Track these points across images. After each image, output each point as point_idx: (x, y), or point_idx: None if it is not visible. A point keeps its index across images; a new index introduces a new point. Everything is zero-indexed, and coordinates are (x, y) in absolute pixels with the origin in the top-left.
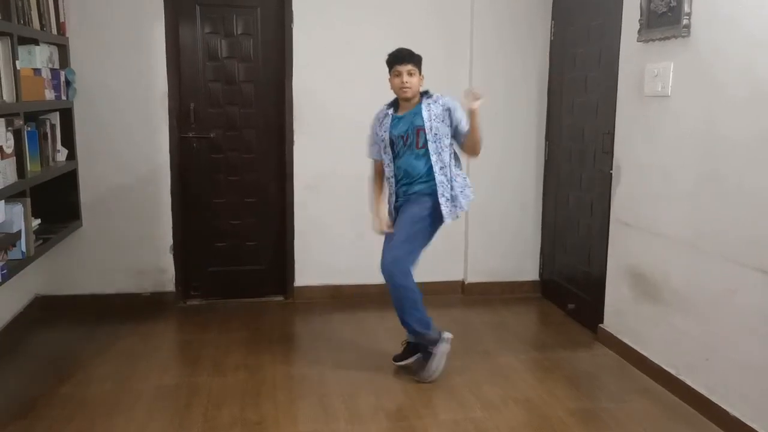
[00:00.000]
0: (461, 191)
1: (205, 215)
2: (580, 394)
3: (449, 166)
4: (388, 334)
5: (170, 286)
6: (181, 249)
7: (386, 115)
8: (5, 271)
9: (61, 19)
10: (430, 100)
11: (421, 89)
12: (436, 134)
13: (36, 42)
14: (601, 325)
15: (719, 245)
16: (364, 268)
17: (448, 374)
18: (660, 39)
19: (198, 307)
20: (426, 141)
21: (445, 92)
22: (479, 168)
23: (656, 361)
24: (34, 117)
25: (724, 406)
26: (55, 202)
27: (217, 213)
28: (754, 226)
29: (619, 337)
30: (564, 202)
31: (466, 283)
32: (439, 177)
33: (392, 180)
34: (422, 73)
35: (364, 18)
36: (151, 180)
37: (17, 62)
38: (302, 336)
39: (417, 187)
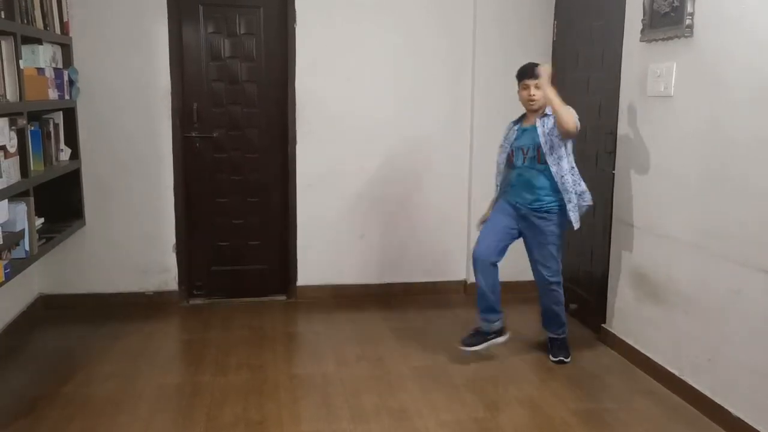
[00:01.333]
0: (580, 195)
1: (207, 215)
2: (582, 395)
3: (569, 173)
4: (391, 333)
5: (173, 286)
6: (184, 248)
7: (511, 129)
8: (9, 269)
9: (65, 19)
10: (544, 117)
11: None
12: (551, 147)
13: (39, 41)
14: (603, 325)
15: (723, 246)
16: (367, 267)
17: (451, 374)
18: (663, 39)
19: (201, 306)
20: (545, 157)
21: (447, 94)
22: (482, 167)
23: (659, 362)
24: (37, 116)
25: (727, 407)
26: (59, 201)
27: (219, 212)
28: (758, 226)
29: (622, 337)
30: None
31: (468, 282)
32: (561, 187)
33: (501, 186)
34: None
35: (366, 17)
36: (154, 179)
37: (21, 61)
38: (305, 335)
39: (542, 201)
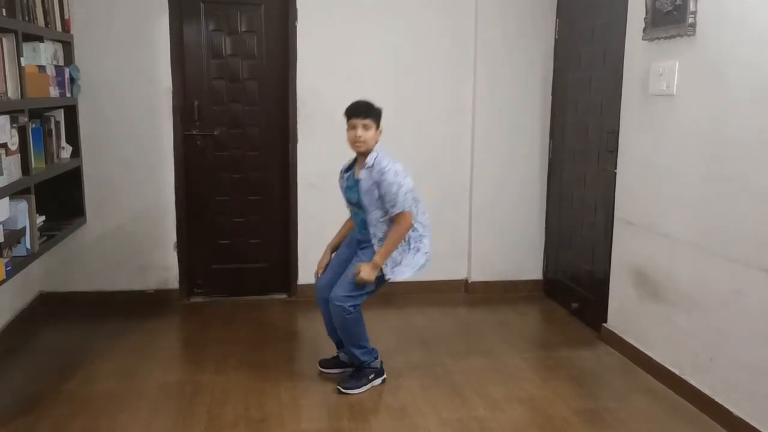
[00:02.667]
0: (405, 254)
1: (208, 213)
2: (583, 394)
3: (385, 223)
4: (391, 332)
5: (174, 284)
6: (184, 246)
7: (343, 178)
8: (10, 267)
9: (66, 16)
10: (369, 169)
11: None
12: (371, 199)
13: (41, 39)
14: (604, 324)
15: (724, 245)
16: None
17: (452, 373)
18: (665, 37)
19: (201, 304)
20: (366, 208)
21: (448, 94)
22: (483, 167)
23: (660, 361)
24: (38, 114)
25: (728, 407)
26: (60, 199)
27: (220, 210)
28: (760, 226)
29: (623, 336)
30: (568, 201)
31: (469, 281)
32: (371, 232)
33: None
34: (380, 126)
35: (368, 16)
36: (155, 177)
37: (22, 59)
38: (305, 334)
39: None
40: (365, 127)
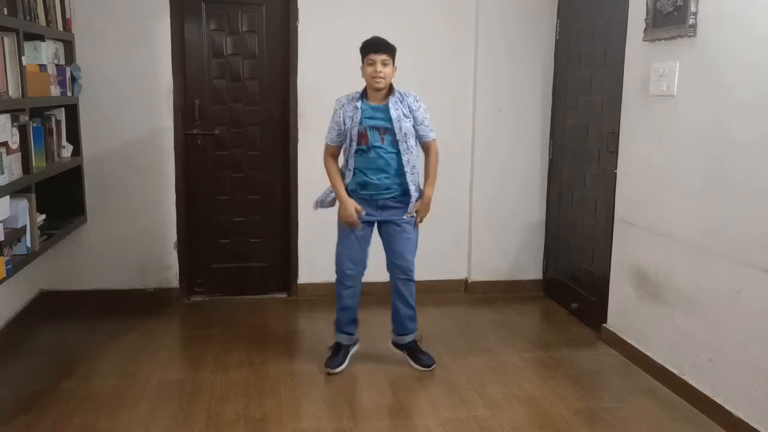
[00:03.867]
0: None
1: (209, 212)
2: (583, 394)
3: (417, 165)
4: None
5: (174, 282)
6: (185, 245)
7: (356, 108)
8: (10, 266)
9: (67, 15)
10: (398, 97)
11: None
12: (405, 134)
13: (42, 38)
14: (604, 324)
15: (724, 245)
16: (368, 265)
17: (452, 372)
18: (666, 38)
19: (202, 303)
20: (397, 139)
21: (448, 94)
22: (483, 166)
23: (660, 361)
24: (39, 113)
25: (728, 407)
26: (60, 198)
27: (221, 210)
28: (760, 226)
29: (623, 336)
30: (568, 201)
31: (469, 281)
32: (410, 178)
33: (352, 171)
34: (395, 64)
35: (369, 16)
36: (156, 176)
37: (23, 58)
38: (305, 333)
39: (402, 184)
40: (384, 63)
